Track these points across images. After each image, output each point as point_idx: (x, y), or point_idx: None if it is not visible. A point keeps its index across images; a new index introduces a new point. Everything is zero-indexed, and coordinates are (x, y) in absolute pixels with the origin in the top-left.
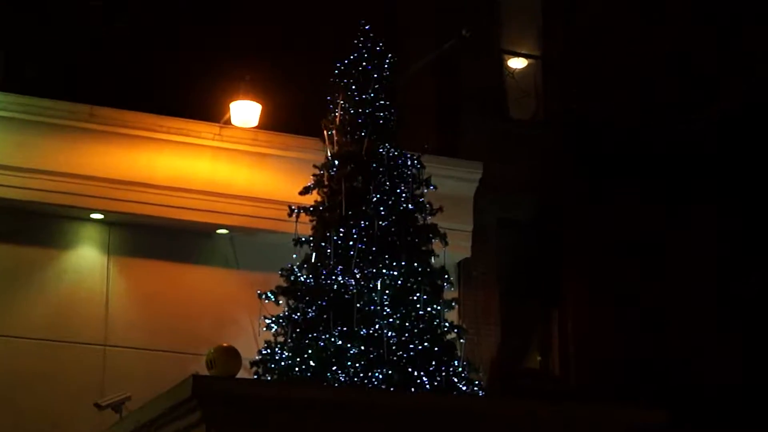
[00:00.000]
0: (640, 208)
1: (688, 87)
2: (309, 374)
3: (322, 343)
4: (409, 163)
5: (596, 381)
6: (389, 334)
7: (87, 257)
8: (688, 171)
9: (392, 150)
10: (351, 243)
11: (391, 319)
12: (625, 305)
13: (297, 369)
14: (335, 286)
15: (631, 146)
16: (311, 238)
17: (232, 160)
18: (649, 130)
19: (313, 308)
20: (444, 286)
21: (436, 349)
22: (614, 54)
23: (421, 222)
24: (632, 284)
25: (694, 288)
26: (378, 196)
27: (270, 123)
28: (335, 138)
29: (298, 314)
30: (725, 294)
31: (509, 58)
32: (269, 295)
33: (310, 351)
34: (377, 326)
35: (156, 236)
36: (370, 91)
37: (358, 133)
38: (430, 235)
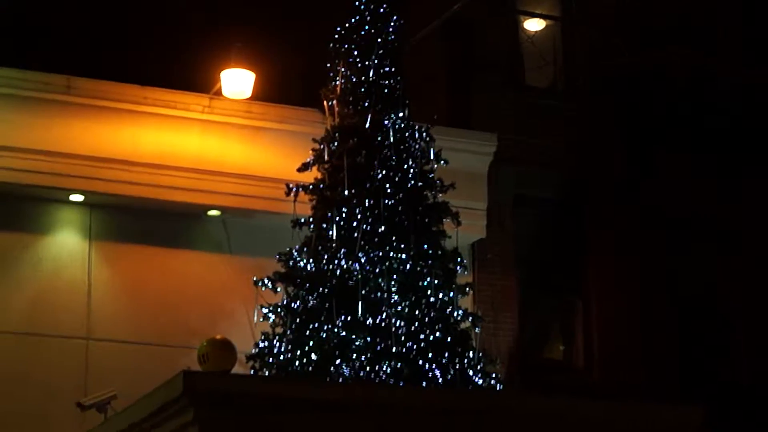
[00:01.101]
0: (674, 185)
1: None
2: (310, 368)
3: (324, 335)
4: (417, 135)
5: (622, 374)
6: (398, 323)
7: (66, 243)
8: (744, 141)
9: (399, 122)
10: (355, 224)
11: (399, 307)
12: (654, 292)
13: (297, 363)
14: (338, 271)
15: (672, 114)
16: (311, 219)
17: (223, 135)
18: (700, 91)
19: (315, 296)
20: (457, 270)
21: (449, 339)
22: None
23: (431, 200)
24: (663, 269)
25: (734, 276)
26: (384, 172)
27: (265, 93)
28: (336, 109)
29: (298, 303)
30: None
31: (525, 20)
32: (266, 282)
33: (311, 343)
34: (384, 315)
35: (141, 219)
36: (373, 57)
37: (361, 103)
38: (441, 215)
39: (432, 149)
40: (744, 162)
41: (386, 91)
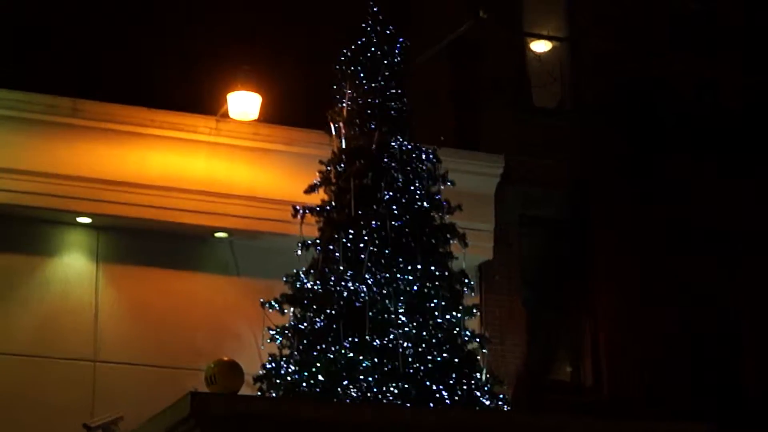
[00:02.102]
0: (682, 201)
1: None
2: (318, 390)
3: (331, 356)
4: (423, 157)
5: (631, 393)
6: (405, 344)
7: (74, 265)
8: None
9: (405, 143)
10: (362, 245)
11: (406, 329)
12: (663, 309)
13: (304, 384)
14: (345, 292)
15: (677, 124)
16: (318, 241)
17: (230, 157)
18: (703, 97)
19: (322, 317)
20: (464, 291)
21: (456, 360)
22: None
23: (438, 221)
24: (671, 286)
25: (747, 292)
26: (390, 193)
27: (271, 115)
28: (343, 131)
29: (305, 324)
30: None
31: (532, 41)
32: (273, 303)
33: (318, 364)
34: (392, 336)
35: (149, 241)
36: (380, 78)
37: (367, 125)
38: (448, 236)
39: (438, 171)
40: (750, 174)
41: (393, 112)
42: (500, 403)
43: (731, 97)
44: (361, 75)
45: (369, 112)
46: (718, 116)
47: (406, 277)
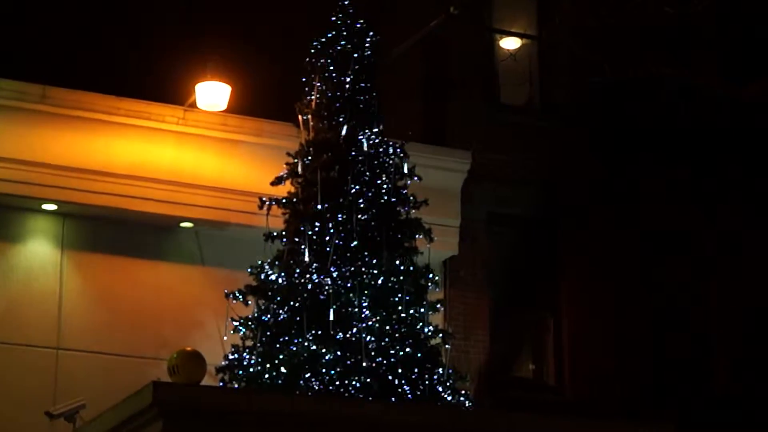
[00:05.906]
0: (649, 200)
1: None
2: (280, 382)
3: (294, 348)
4: (391, 151)
5: (594, 392)
6: (368, 338)
7: (38, 252)
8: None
9: (373, 137)
10: (327, 238)
11: (370, 322)
12: (628, 308)
13: (267, 376)
14: (309, 285)
15: (650, 128)
16: (284, 233)
17: (198, 147)
18: (674, 111)
19: (285, 309)
20: (428, 286)
21: (419, 355)
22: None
23: (404, 216)
24: (637, 285)
25: (709, 290)
26: (357, 187)
27: (240, 106)
28: (311, 123)
29: (269, 316)
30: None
31: (501, 38)
32: (237, 294)
33: (281, 356)
34: (355, 330)
35: (114, 229)
36: (349, 72)
37: (335, 118)
38: (414, 231)
39: (406, 165)
40: (719, 178)
41: (361, 106)
42: (462, 398)
43: (705, 103)
44: (331, 68)
45: (338, 105)
46: (691, 120)
47: (370, 270)
